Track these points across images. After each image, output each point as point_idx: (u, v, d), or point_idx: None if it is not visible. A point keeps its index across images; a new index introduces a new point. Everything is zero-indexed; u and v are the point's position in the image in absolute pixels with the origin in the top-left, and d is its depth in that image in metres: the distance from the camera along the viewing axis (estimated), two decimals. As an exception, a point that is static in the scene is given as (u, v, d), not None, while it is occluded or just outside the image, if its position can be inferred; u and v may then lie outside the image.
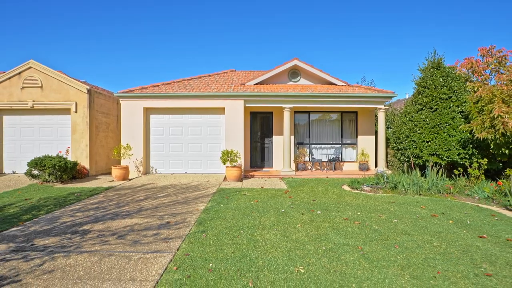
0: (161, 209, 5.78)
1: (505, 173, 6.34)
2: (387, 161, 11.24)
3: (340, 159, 11.57)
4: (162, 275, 3.06)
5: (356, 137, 11.69)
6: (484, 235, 4.15)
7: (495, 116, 6.26)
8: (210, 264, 3.29)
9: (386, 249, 3.67)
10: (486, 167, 7.10)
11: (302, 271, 3.12)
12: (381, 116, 10.48)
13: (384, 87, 37.43)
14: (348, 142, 11.74)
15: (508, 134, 6.15)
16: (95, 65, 48.23)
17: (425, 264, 3.25)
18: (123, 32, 45.71)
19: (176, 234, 4.30)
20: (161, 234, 4.33)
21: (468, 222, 4.77)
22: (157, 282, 2.92)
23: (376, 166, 11.19)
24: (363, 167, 11.05)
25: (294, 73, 11.64)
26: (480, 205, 5.90)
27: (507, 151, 6.48)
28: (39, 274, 3.12)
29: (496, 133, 6.31)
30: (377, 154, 10.97)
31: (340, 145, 11.70)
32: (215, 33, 48.49)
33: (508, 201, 5.54)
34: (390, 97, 10.40)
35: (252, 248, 3.73)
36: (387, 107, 10.54)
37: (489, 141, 6.61)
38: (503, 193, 5.93)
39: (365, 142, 11.57)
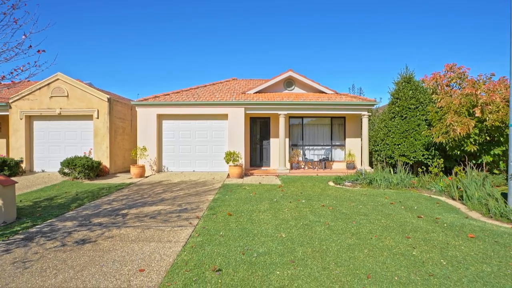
0: (178, 199, 7.26)
1: (453, 170, 7.80)
2: (371, 161, 12.69)
3: (329, 159, 13.04)
4: (188, 239, 4.53)
5: (344, 139, 13.14)
6: (422, 216, 5.61)
7: (448, 124, 7.70)
8: (221, 233, 4.75)
9: (346, 224, 5.13)
10: (443, 165, 8.55)
11: (284, 236, 4.59)
12: (365, 121, 11.94)
13: (380, 89, 38.78)
14: (337, 144, 13.20)
15: (457, 139, 7.60)
16: (94, 64, 49.66)
17: (368, 232, 4.71)
18: (122, 32, 47.12)
19: (194, 216, 5.77)
20: (183, 215, 5.80)
21: (415, 207, 6.24)
22: (186, 242, 4.38)
23: (361, 165, 12.64)
24: (350, 166, 12.50)
25: (289, 82, 13.10)
26: (432, 196, 7.37)
27: (458, 152, 7.94)
28: (105, 238, 4.59)
29: (449, 137, 7.76)
30: (362, 154, 12.41)
31: (330, 147, 13.17)
32: (215, 33, 49.85)
33: (453, 192, 6.99)
34: (373, 105, 11.85)
35: (250, 224, 5.20)
36: (370, 114, 11.96)
37: (444, 144, 8.06)
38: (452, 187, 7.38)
39: (352, 144, 13.02)
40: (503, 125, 7.56)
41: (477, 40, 43.65)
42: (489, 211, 5.54)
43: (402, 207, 6.27)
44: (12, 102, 11.60)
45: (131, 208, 6.42)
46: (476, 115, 7.56)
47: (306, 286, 3.08)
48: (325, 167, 12.78)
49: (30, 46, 5.20)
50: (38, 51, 4.99)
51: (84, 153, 11.45)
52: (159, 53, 52.03)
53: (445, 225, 5.09)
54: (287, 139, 12.83)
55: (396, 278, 3.24)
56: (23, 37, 4.70)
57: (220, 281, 3.20)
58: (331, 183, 9.45)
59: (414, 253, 3.91)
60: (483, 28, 42.13)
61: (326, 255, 3.84)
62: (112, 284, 3.19)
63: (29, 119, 11.96)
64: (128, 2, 41.05)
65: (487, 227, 4.96)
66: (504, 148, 8.10)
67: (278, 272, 3.38)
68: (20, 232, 4.92)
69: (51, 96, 11.75)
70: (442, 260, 3.68)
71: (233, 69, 49.80)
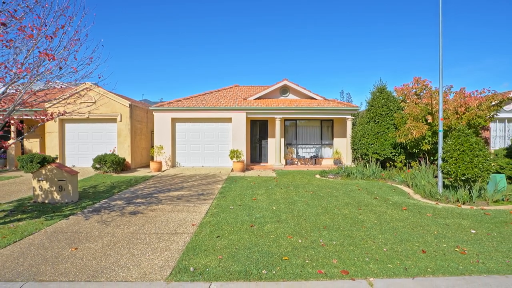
0: (195, 187, 9.26)
1: (411, 164, 9.76)
2: (354, 158, 14.67)
3: (319, 156, 15.03)
4: (208, 210, 6.53)
5: (332, 139, 15.13)
6: (377, 197, 7.61)
7: (407, 128, 9.68)
8: (231, 207, 6.75)
9: (319, 202, 7.13)
10: (406, 161, 10.53)
11: (274, 208, 6.59)
12: (349, 124, 13.93)
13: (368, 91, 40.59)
14: (326, 143, 15.19)
15: (413, 139, 9.56)
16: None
17: (333, 207, 6.71)
18: (122, 32, 48.88)
19: (209, 197, 7.77)
20: (201, 197, 7.80)
21: (376, 192, 8.24)
22: (207, 212, 6.39)
23: (346, 161, 14.63)
24: (337, 162, 14.49)
25: (284, 90, 15.08)
26: (394, 184, 9.36)
27: (416, 150, 9.92)
28: (149, 211, 6.59)
29: (408, 139, 9.75)
30: (347, 152, 14.41)
31: (319, 145, 15.16)
32: (214, 33, 51.63)
33: (408, 181, 8.98)
34: (355, 110, 13.84)
35: (250, 202, 7.20)
36: (354, 117, 13.94)
37: (405, 144, 10.03)
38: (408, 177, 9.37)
39: (339, 143, 15.01)
40: (450, 129, 9.53)
41: (476, 39, 45.48)
42: (425, 193, 7.53)
43: (366, 192, 8.28)
44: (48, 107, 13.57)
45: (160, 193, 8.43)
46: (428, 121, 9.53)
47: (284, 231, 5.08)
48: (315, 163, 14.77)
49: (91, 72, 7.19)
50: (99, 76, 6.97)
51: (110, 151, 13.45)
52: (159, 53, 53.82)
53: (391, 202, 7.08)
54: (282, 139, 14.82)
55: (341, 228, 5.25)
56: (91, 70, 6.67)
57: (232, 230, 5.20)
58: (317, 176, 11.44)
59: (359, 217, 5.91)
60: (482, 27, 43.90)
61: (301, 218, 5.84)
62: (165, 231, 5.19)
63: (62, 122, 13.96)
64: (128, 2, 42.83)
65: (419, 203, 6.95)
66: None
67: (268, 226, 5.39)
68: (87, 207, 6.92)
69: (81, 102, 13.70)
70: (375, 221, 5.68)
71: (234, 68, 51.70)
